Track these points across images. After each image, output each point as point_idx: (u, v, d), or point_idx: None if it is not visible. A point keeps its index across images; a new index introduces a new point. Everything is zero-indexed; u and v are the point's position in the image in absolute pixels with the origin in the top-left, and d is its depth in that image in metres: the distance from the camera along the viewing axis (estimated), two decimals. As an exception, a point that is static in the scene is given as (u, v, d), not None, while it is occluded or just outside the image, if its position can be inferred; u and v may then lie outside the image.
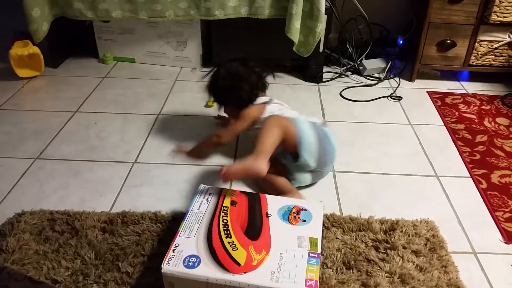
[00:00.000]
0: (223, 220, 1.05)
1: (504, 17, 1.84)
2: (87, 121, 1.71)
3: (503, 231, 1.24)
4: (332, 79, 2.08)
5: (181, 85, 1.99)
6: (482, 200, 1.36)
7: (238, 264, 0.93)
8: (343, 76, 2.10)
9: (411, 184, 1.42)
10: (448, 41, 1.93)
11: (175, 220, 1.21)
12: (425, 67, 2.06)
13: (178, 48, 2.10)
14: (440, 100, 1.91)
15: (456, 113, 1.82)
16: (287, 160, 1.34)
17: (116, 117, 1.74)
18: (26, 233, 1.15)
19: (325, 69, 2.09)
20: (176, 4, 1.88)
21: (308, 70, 2.03)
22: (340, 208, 1.30)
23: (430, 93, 1.97)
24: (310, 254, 0.96)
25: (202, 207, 1.09)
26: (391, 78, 2.09)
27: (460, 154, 1.56)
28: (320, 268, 0.98)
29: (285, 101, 1.48)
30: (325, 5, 1.81)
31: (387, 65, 2.12)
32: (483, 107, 1.86)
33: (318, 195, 1.35)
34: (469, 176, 1.46)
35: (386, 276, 1.07)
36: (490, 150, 1.58)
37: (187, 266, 0.92)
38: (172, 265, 0.93)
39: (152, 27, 2.06)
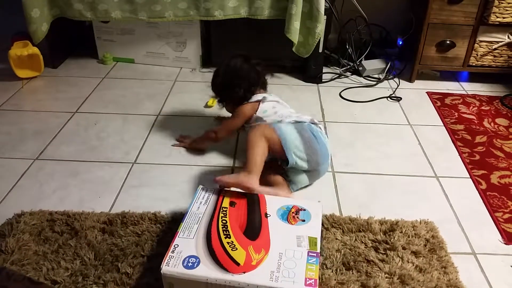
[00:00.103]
0: (222, 220, 1.05)
1: (504, 17, 1.84)
2: (86, 121, 1.71)
3: (502, 232, 1.24)
4: (331, 79, 2.08)
5: (180, 86, 1.99)
6: (481, 200, 1.36)
7: (238, 264, 0.93)
8: (343, 76, 2.10)
9: (410, 184, 1.42)
10: (448, 42, 1.93)
11: (175, 221, 1.21)
12: (425, 68, 2.06)
13: (178, 48, 2.10)
14: (439, 101, 1.91)
15: (456, 113, 1.82)
16: (282, 164, 1.34)
17: (116, 117, 1.74)
18: (26, 233, 1.15)
19: (325, 69, 2.09)
20: (176, 4, 1.88)
21: (307, 70, 2.03)
22: (340, 209, 1.30)
23: (429, 94, 1.97)
24: (309, 254, 0.96)
25: (201, 207, 1.09)
26: (390, 79, 2.09)
27: (459, 155, 1.56)
28: (319, 269, 0.98)
29: (284, 102, 1.49)
30: (325, 5, 1.82)
31: (386, 66, 2.12)
32: (483, 107, 1.86)
33: (317, 195, 1.35)
34: (469, 176, 1.46)
35: (386, 277, 1.07)
36: (490, 150, 1.58)
37: (187, 267, 0.92)
38: (171, 265, 0.93)
39: (151, 28, 2.06)
